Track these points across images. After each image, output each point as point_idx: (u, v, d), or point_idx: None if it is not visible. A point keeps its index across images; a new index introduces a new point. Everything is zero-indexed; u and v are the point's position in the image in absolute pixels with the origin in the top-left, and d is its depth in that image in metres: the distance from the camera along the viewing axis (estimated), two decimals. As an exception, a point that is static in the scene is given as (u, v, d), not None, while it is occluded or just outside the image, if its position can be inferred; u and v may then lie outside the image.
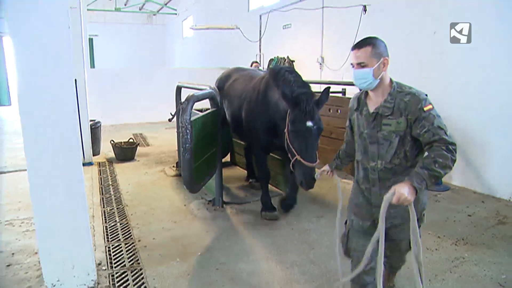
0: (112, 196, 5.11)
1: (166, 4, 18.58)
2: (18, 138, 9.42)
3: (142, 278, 3.19)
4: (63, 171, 2.87)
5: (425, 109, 2.02)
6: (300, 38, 9.35)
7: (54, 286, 2.97)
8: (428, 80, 5.82)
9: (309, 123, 3.32)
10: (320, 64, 8.55)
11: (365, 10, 7.09)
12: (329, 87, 3.41)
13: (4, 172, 6.19)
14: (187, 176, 3.60)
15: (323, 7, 8.24)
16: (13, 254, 3.55)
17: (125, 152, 6.92)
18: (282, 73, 3.77)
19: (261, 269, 3.29)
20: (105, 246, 3.68)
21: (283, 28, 10.01)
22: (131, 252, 3.60)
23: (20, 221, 4.27)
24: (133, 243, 3.77)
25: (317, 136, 3.38)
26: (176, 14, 18.75)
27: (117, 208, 4.67)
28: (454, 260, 3.42)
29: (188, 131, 3.51)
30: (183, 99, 6.13)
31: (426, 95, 2.09)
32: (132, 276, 3.21)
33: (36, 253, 3.56)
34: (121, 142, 7.13)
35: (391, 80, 2.18)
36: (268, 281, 3.13)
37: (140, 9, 19.87)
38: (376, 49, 2.12)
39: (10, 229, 4.08)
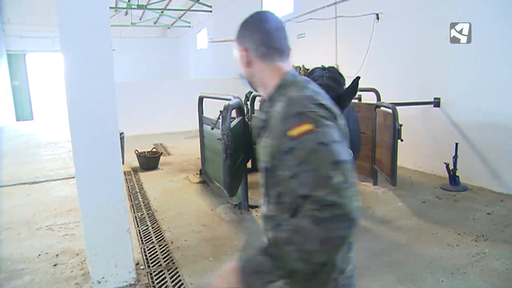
0: (141, 202, 5.36)
1: (180, 18, 19.04)
2: (44, 150, 9.83)
3: (179, 276, 3.40)
4: (106, 178, 3.14)
5: (289, 133, 1.08)
6: (315, 46, 9.58)
7: (99, 283, 3.21)
8: (440, 86, 6.00)
9: None
10: (335, 71, 8.74)
11: (377, 18, 7.29)
12: (359, 77, 2.80)
13: (37, 182, 6.50)
14: (227, 181, 3.86)
15: (336, 17, 8.48)
16: (57, 255, 3.81)
17: (149, 161, 7.20)
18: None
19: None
20: (141, 248, 3.92)
21: (297, 38, 10.26)
22: (165, 253, 3.82)
23: (59, 226, 4.54)
24: (166, 244, 4.00)
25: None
26: (190, 26, 19.22)
27: (147, 214, 4.92)
28: (475, 255, 3.56)
29: (229, 138, 3.77)
30: (204, 109, 6.44)
31: (320, 103, 1.14)
32: (169, 274, 3.43)
33: (77, 254, 3.82)
34: (145, 152, 7.41)
35: (284, 77, 1.27)
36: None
37: (154, 23, 20.38)
38: (238, 35, 1.42)
39: (51, 234, 4.35)
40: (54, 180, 6.52)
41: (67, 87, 2.91)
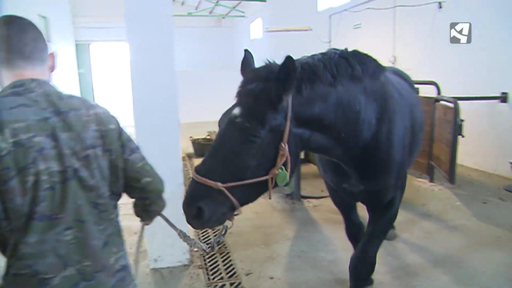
0: (195, 188, 5.54)
1: (234, 7, 19.21)
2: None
3: (230, 260, 3.50)
4: (166, 163, 3.26)
5: None
6: (371, 37, 9.30)
7: (156, 261, 3.39)
8: (508, 80, 5.61)
9: None
10: (392, 63, 8.45)
11: (440, 7, 6.94)
12: (290, 56, 2.00)
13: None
14: None
15: (395, 6, 8.17)
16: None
17: (203, 147, 7.40)
18: None
19: (341, 259, 3.46)
20: (195, 231, 4.07)
21: (353, 28, 10.02)
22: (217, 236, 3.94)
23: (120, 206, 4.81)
24: (218, 229, 4.11)
25: None
26: (244, 16, 19.33)
27: (201, 198, 5.09)
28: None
29: None
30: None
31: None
32: (221, 258, 3.54)
33: (135, 233, 4.02)
34: (199, 139, 7.63)
35: None
36: (348, 270, 3.30)
37: (210, 13, 20.72)
38: None
39: (111, 213, 4.63)
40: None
41: (132, 74, 3.06)
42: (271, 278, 3.22)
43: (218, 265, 3.44)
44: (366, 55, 2.13)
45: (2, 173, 1.14)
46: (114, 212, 1.46)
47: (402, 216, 4.29)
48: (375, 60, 2.15)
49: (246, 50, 1.93)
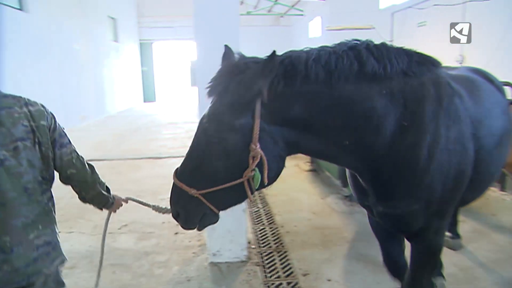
0: (252, 185, 5.61)
1: (293, 6, 19.14)
2: (165, 130, 10.83)
3: (288, 259, 3.50)
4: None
5: None
6: (437, 35, 8.86)
7: (214, 255, 3.46)
8: None
9: None
10: (460, 63, 8.00)
11: (518, 3, 6.46)
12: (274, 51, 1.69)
13: (160, 158, 7.21)
14: (342, 171, 3.97)
15: (465, 2, 7.71)
16: (177, 225, 4.19)
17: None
18: None
19: (402, 266, 3.34)
20: (252, 228, 4.11)
21: (417, 26, 9.60)
22: (275, 235, 3.95)
23: (180, 200, 4.99)
24: (276, 228, 4.13)
25: None
26: (302, 15, 19.20)
27: (258, 196, 5.13)
28: None
29: None
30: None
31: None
32: (278, 257, 3.54)
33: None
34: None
35: None
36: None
37: (268, 12, 20.80)
38: None
39: (172, 205, 4.81)
40: (175, 157, 7.14)
41: (199, 72, 3.14)
42: (329, 280, 3.17)
43: (275, 263, 3.45)
44: (397, 48, 1.76)
45: None
46: (43, 195, 1.66)
47: (468, 226, 4.06)
48: (411, 55, 1.76)
49: (226, 46, 1.73)
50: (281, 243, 3.79)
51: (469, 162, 1.90)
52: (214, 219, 1.74)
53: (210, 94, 1.60)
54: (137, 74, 19.85)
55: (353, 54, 1.62)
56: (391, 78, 1.67)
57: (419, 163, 1.76)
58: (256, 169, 1.54)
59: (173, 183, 1.67)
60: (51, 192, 1.74)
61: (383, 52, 1.67)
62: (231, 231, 3.46)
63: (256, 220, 4.34)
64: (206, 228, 3.45)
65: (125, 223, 4.32)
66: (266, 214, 4.51)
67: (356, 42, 1.70)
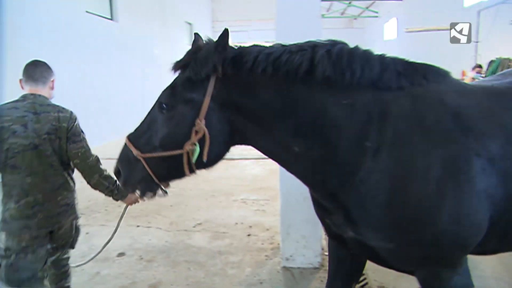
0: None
1: (368, 8, 18.63)
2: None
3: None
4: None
5: None
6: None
7: (287, 260, 3.44)
8: None
9: None
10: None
11: None
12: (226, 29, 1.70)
13: (233, 159, 7.36)
14: None
15: None
16: (250, 226, 4.25)
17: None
18: None
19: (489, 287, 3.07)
20: (325, 235, 4.03)
21: (509, 24, 8.83)
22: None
23: (251, 201, 5.05)
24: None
25: None
26: (377, 17, 18.61)
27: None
28: None
29: None
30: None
31: None
32: (352, 266, 3.43)
33: (267, 229, 4.17)
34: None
35: None
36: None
37: (341, 14, 20.46)
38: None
39: (244, 206, 4.88)
40: (247, 159, 7.25)
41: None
42: (407, 295, 3.00)
43: None
44: (371, 56, 1.58)
45: None
46: (64, 172, 2.37)
47: None
48: (390, 64, 1.57)
49: (196, 34, 1.74)
50: (355, 252, 3.66)
51: (477, 198, 1.49)
52: (155, 188, 1.76)
53: (173, 69, 1.68)
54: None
55: (308, 55, 1.52)
56: (354, 88, 1.52)
57: (381, 194, 1.52)
58: (197, 144, 1.57)
59: (124, 143, 1.74)
60: (71, 170, 2.45)
61: (343, 57, 1.52)
62: (306, 236, 3.41)
63: (328, 227, 4.25)
64: (280, 232, 3.49)
65: (199, 222, 4.47)
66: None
67: (323, 42, 1.60)
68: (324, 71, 1.49)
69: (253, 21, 21.67)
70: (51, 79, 2.40)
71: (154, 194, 1.80)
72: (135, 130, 1.75)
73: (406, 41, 15.05)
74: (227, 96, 1.59)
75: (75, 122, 2.35)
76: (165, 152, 1.62)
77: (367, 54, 1.59)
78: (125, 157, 1.74)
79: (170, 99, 1.63)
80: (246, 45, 1.66)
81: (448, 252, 1.58)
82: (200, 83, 1.58)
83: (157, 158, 1.64)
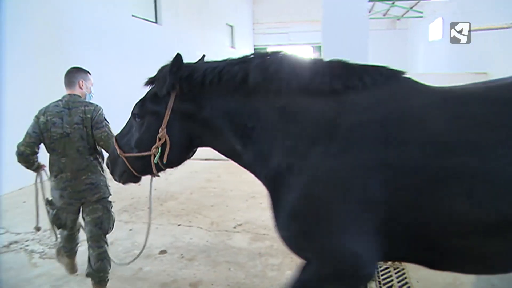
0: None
1: (412, 8, 18.08)
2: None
3: (405, 278, 3.26)
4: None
5: None
6: None
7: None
8: None
9: None
10: None
11: None
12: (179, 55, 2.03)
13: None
14: None
15: None
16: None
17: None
18: None
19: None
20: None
21: None
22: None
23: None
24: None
25: None
26: (422, 17, 18.01)
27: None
28: None
29: None
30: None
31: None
32: (395, 273, 3.33)
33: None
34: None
35: None
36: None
37: (383, 15, 19.98)
38: None
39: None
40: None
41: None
42: (454, 307, 2.88)
43: (392, 280, 3.25)
44: (302, 61, 1.76)
45: (43, 129, 2.84)
46: (90, 155, 2.94)
47: None
48: (322, 68, 1.69)
49: (178, 54, 1.87)
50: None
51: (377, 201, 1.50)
52: (135, 179, 2.19)
53: (144, 85, 2.04)
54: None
55: (244, 65, 1.76)
56: (285, 93, 1.68)
57: (285, 195, 1.65)
58: (160, 148, 1.92)
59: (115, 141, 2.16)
60: (98, 155, 3.03)
61: (272, 65, 1.72)
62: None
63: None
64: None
65: (239, 223, 4.50)
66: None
67: (263, 53, 1.82)
68: (255, 79, 1.71)
69: (293, 23, 21.61)
70: (78, 81, 2.97)
71: (135, 182, 2.24)
72: (120, 131, 2.17)
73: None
74: (185, 108, 1.90)
75: (98, 112, 2.92)
76: (138, 153, 2.02)
77: (298, 61, 1.77)
78: (112, 154, 2.23)
79: (140, 110, 2.00)
80: (205, 61, 2.01)
81: (326, 249, 1.67)
82: (163, 98, 1.91)
83: (133, 156, 2.05)
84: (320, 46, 21.02)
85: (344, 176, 1.54)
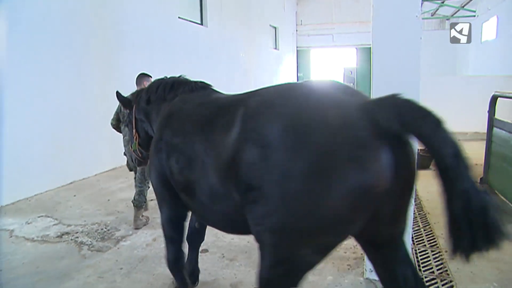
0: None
1: (463, 6, 17.28)
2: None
3: (443, 263, 3.14)
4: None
5: None
6: None
7: (371, 271, 3.26)
8: None
9: None
10: None
11: None
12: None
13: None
14: None
15: None
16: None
17: (423, 159, 6.89)
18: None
19: None
20: (413, 249, 3.80)
21: None
22: (438, 260, 3.57)
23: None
24: (439, 252, 3.74)
25: None
26: (474, 16, 17.16)
27: (418, 214, 4.74)
28: None
29: None
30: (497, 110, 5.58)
31: None
32: (442, 286, 3.19)
33: (350, 237, 4.04)
34: (418, 149, 7.15)
35: None
36: None
37: (432, 15, 19.24)
38: None
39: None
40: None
41: (375, 78, 3.01)
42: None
43: (430, 263, 3.13)
44: (163, 81, 2.92)
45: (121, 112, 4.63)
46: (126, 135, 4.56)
47: None
48: (178, 83, 2.80)
49: (116, 91, 3.29)
50: (445, 271, 3.40)
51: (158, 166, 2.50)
52: (142, 163, 3.35)
53: (123, 107, 3.56)
54: (294, 80, 20.61)
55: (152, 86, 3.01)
56: (158, 102, 2.86)
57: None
58: (135, 142, 3.19)
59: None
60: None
61: (152, 85, 3.02)
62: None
63: (416, 241, 4.00)
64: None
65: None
66: (427, 235, 4.12)
67: (173, 78, 2.91)
68: (146, 93, 2.96)
69: (337, 25, 21.29)
70: (143, 82, 4.49)
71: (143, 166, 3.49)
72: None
73: (506, 42, 13.70)
74: (139, 117, 3.07)
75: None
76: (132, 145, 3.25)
77: (163, 81, 2.89)
78: (128, 148, 3.78)
79: (126, 119, 3.43)
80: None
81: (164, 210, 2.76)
82: (131, 112, 3.14)
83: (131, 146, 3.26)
84: (365, 48, 20.59)
85: (153, 148, 2.58)
